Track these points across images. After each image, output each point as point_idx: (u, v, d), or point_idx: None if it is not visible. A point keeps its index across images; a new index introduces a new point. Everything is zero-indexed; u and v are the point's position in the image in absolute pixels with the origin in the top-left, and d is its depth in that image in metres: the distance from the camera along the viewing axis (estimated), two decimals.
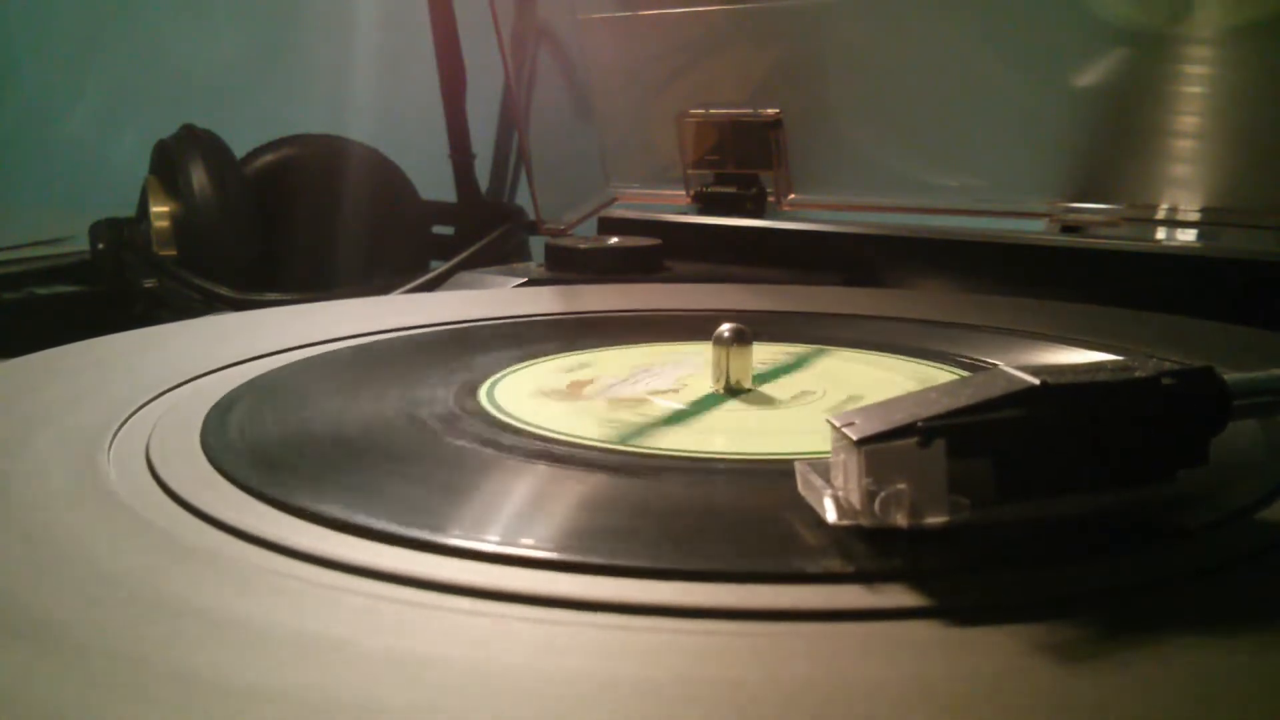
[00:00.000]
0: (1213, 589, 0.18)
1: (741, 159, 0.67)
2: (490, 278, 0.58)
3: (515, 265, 0.63)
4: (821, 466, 0.19)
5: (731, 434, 0.27)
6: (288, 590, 0.17)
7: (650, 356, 0.35)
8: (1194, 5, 0.50)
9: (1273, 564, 0.19)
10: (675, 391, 0.30)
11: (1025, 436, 0.18)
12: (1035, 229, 0.56)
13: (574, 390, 0.30)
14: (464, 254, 0.67)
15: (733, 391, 0.30)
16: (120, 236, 0.66)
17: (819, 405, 0.29)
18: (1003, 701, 0.14)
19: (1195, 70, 0.50)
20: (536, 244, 0.74)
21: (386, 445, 0.25)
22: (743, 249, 0.64)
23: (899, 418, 0.18)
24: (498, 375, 0.32)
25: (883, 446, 0.18)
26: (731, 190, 0.68)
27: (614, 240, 0.62)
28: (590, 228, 0.72)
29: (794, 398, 0.30)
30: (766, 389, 0.30)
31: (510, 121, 0.81)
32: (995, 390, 0.18)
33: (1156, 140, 0.51)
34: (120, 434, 0.26)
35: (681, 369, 0.33)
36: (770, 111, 0.65)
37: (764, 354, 0.34)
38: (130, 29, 1.15)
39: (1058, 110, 0.55)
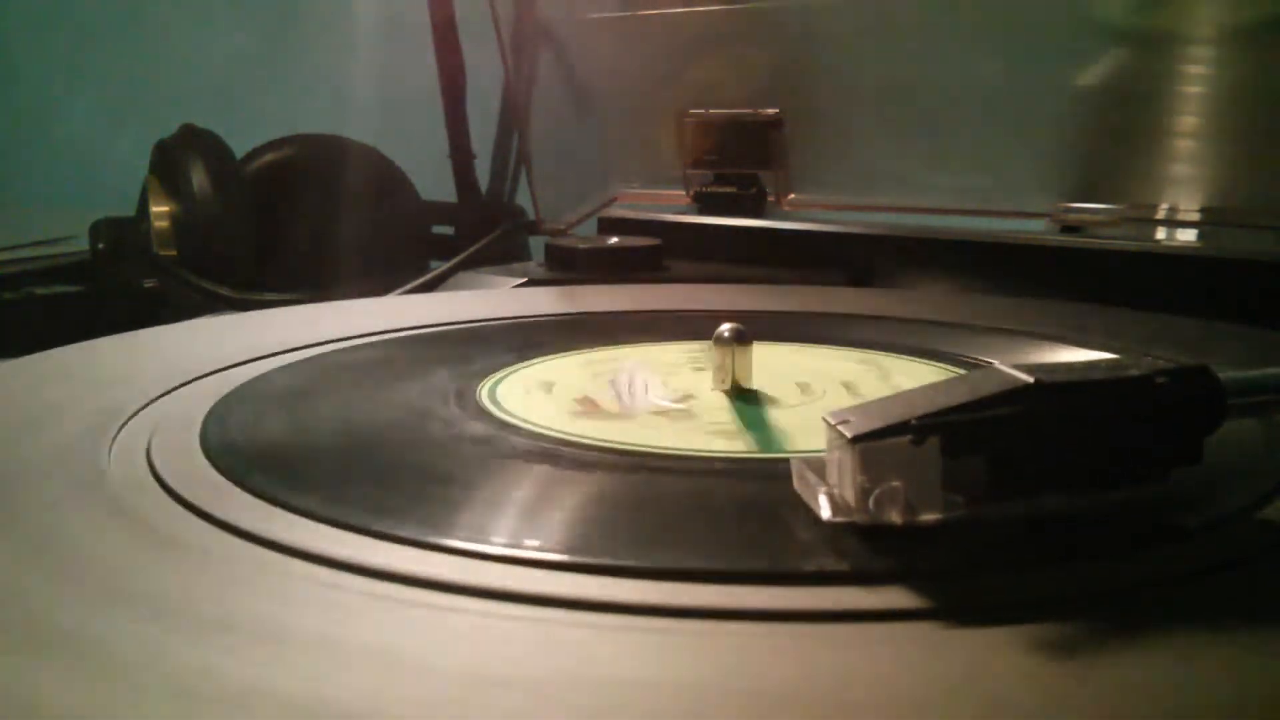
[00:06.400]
0: (1211, 589, 0.18)
1: (741, 159, 0.67)
2: (490, 278, 0.58)
3: (515, 265, 0.63)
4: (817, 464, 0.19)
5: (730, 434, 0.27)
6: (289, 589, 0.17)
7: (649, 356, 0.35)
8: (1194, 5, 0.50)
9: (1272, 564, 0.19)
10: (675, 392, 0.30)
11: (1020, 434, 0.18)
12: (1035, 229, 0.56)
13: (589, 408, 0.30)
14: (464, 254, 0.67)
15: (733, 392, 0.30)
16: (120, 236, 0.66)
17: (818, 405, 0.29)
18: (998, 702, 0.14)
19: (1195, 70, 0.50)
20: (536, 244, 0.74)
21: (386, 445, 0.25)
22: (743, 249, 0.63)
23: (894, 415, 0.18)
24: (498, 374, 0.32)
25: (877, 444, 0.18)
26: (731, 190, 0.68)
27: (614, 240, 0.62)
28: (590, 228, 0.72)
29: (793, 398, 0.30)
30: (767, 389, 0.30)
31: (510, 121, 0.81)
32: (990, 388, 0.18)
33: (1156, 140, 0.51)
34: (121, 434, 0.26)
35: (682, 374, 0.33)
36: (770, 111, 0.65)
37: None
38: (130, 29, 1.15)
39: (1058, 110, 0.55)
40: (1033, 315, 0.42)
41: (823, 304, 0.46)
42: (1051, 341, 0.37)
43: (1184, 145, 0.51)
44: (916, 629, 0.16)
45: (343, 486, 0.22)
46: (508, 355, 0.34)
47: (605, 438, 0.25)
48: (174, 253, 0.65)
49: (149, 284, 0.64)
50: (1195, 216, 0.51)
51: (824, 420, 0.19)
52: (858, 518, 0.18)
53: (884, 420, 0.18)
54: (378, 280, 0.61)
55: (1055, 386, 0.18)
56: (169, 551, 0.19)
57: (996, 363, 0.19)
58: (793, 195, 0.66)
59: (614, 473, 0.23)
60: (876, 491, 0.18)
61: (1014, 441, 0.18)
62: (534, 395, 0.30)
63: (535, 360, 0.34)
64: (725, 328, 0.30)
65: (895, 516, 0.18)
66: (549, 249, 0.61)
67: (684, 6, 0.66)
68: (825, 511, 0.18)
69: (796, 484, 0.20)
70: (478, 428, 0.26)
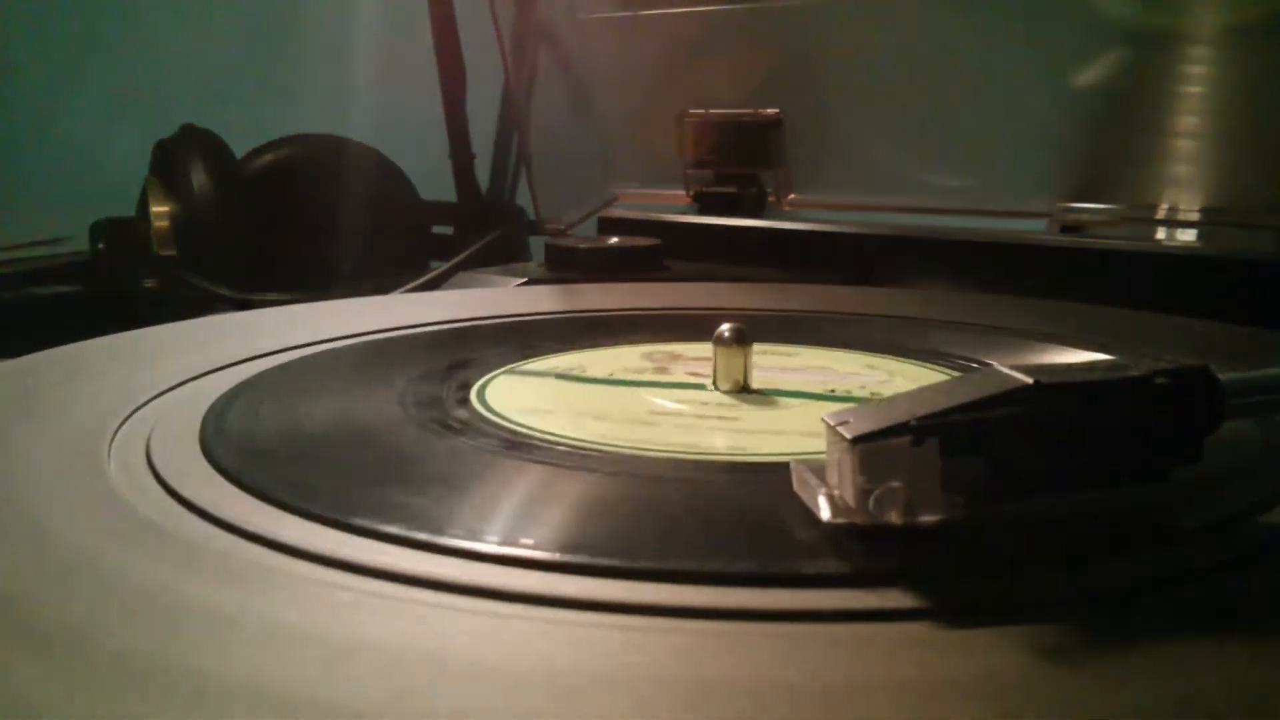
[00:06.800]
0: (1211, 589, 0.18)
1: (741, 159, 0.67)
2: (490, 278, 0.58)
3: (515, 265, 0.63)
4: (817, 466, 0.19)
5: (729, 434, 0.27)
6: (288, 587, 0.17)
7: (650, 355, 0.35)
8: (1194, 5, 0.50)
9: (1271, 564, 0.19)
10: (675, 392, 0.30)
11: (1019, 435, 0.18)
12: (1035, 229, 0.56)
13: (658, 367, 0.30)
14: (464, 254, 0.67)
15: (733, 391, 0.30)
16: (120, 236, 0.66)
17: (818, 406, 0.29)
18: (995, 703, 0.14)
19: (1195, 70, 0.50)
20: (536, 244, 0.74)
21: (385, 445, 0.25)
22: (743, 249, 0.64)
23: (893, 416, 0.18)
24: (497, 375, 0.32)
25: (877, 445, 0.18)
26: (731, 190, 0.68)
27: (614, 240, 0.62)
28: (590, 228, 0.72)
29: (793, 398, 0.30)
30: (767, 390, 0.30)
31: (510, 121, 0.81)
32: (989, 389, 0.18)
33: (1156, 140, 0.51)
34: (120, 433, 0.26)
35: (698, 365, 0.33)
36: (770, 111, 0.65)
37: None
38: (130, 29, 1.15)
39: (1058, 110, 0.55)
40: (1033, 315, 0.42)
41: (823, 304, 0.46)
42: (1051, 341, 0.37)
43: (1184, 145, 0.51)
44: (916, 629, 0.16)
45: (340, 485, 0.22)
46: (507, 354, 0.34)
47: (603, 438, 0.25)
48: (174, 253, 0.65)
49: (149, 284, 0.64)
50: (1195, 216, 0.51)
51: (824, 421, 0.19)
52: (858, 519, 0.18)
53: (884, 421, 0.18)
54: (378, 280, 0.61)
55: (1055, 387, 0.18)
56: (169, 550, 0.19)
57: (996, 363, 0.19)
58: (793, 195, 0.66)
59: (612, 473, 0.23)
60: (876, 492, 0.18)
61: (1013, 442, 0.18)
62: (533, 395, 0.30)
63: (535, 359, 0.34)
64: (725, 328, 0.30)
65: (895, 517, 0.18)
66: (549, 249, 0.61)
67: (684, 6, 0.66)
68: (825, 513, 0.18)
69: (796, 485, 0.20)
70: (478, 428, 0.26)
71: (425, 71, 0.79)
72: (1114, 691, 0.14)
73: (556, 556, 0.18)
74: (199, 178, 0.66)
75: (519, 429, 0.26)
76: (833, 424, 0.18)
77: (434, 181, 0.80)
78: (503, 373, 0.32)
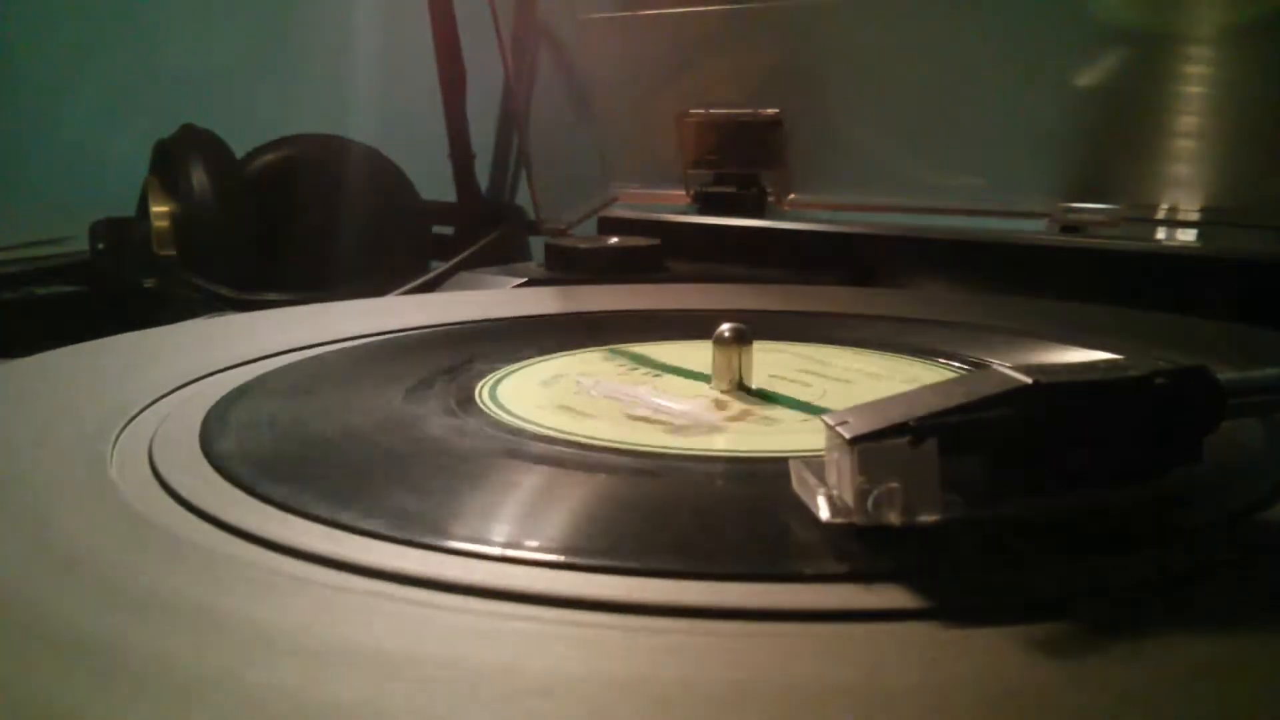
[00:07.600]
0: (1211, 589, 0.18)
1: (741, 159, 0.67)
2: (490, 278, 0.58)
3: (515, 265, 0.63)
4: (816, 465, 0.19)
5: (729, 433, 0.27)
6: (292, 589, 0.17)
7: (649, 354, 0.35)
8: (1194, 5, 0.50)
9: (1272, 564, 0.19)
10: (676, 392, 0.30)
11: (1018, 435, 0.18)
12: (1035, 229, 0.56)
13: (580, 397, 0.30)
14: (464, 254, 0.67)
15: (732, 391, 0.30)
16: (120, 236, 0.66)
17: (817, 405, 0.29)
18: (996, 703, 0.14)
19: (1195, 70, 0.50)
20: (536, 244, 0.74)
21: (386, 445, 0.25)
22: (743, 249, 0.64)
23: (892, 416, 0.18)
24: (498, 374, 0.32)
25: (875, 445, 0.18)
26: (731, 190, 0.68)
27: (614, 240, 0.62)
28: (590, 228, 0.72)
29: (793, 398, 0.30)
30: (767, 389, 0.30)
31: (510, 121, 0.81)
32: (988, 389, 0.18)
33: (1156, 140, 0.51)
34: (123, 436, 0.26)
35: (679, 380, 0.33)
36: (770, 111, 0.65)
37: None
38: (130, 29, 1.15)
39: (1058, 110, 0.55)
40: (1033, 315, 0.42)
41: (823, 304, 0.46)
42: (1051, 341, 0.37)
43: (1184, 145, 0.51)
44: (916, 629, 0.16)
45: (343, 487, 0.22)
46: (507, 355, 0.34)
47: (605, 438, 0.25)
48: (174, 253, 0.65)
49: (149, 284, 0.64)
50: (1195, 216, 0.51)
51: (822, 421, 0.19)
52: (856, 519, 0.18)
53: (882, 421, 0.18)
54: (378, 280, 0.61)
55: (1053, 387, 0.18)
56: (172, 553, 0.19)
57: (995, 363, 0.19)
58: (793, 195, 0.66)
59: (614, 473, 0.23)
60: (875, 493, 0.18)
61: (1012, 442, 0.18)
62: (533, 395, 0.30)
63: (535, 360, 0.34)
64: (725, 327, 0.30)
65: (894, 518, 0.18)
66: (549, 249, 0.61)
67: (684, 6, 0.66)
68: (824, 513, 0.18)
69: (795, 485, 0.20)
70: (478, 428, 0.26)
71: (425, 71, 0.79)
72: (1114, 691, 0.14)
73: (556, 557, 0.18)
74: (199, 178, 0.66)
75: (518, 429, 0.26)
76: (831, 424, 0.18)
77: (434, 181, 0.80)
78: (502, 373, 0.32)
